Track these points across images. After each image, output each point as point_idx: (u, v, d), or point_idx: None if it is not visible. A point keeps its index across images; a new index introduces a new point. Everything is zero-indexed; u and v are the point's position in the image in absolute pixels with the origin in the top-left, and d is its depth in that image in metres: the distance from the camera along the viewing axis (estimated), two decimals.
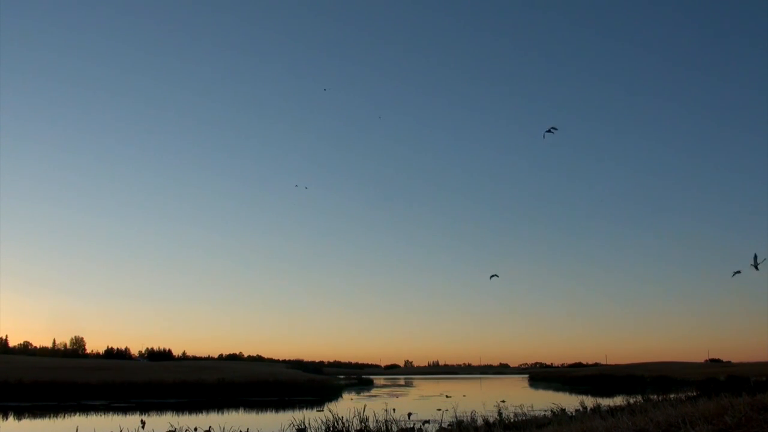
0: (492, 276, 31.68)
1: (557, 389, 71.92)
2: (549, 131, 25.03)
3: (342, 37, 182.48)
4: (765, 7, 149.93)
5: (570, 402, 30.15)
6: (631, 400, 22.96)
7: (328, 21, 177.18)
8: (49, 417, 34.08)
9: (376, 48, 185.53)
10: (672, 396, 24.52)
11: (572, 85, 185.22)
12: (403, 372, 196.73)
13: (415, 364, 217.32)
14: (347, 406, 27.36)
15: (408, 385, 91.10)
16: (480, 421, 17.95)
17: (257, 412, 37.97)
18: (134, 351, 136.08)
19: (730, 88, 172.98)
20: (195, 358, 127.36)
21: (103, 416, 34.00)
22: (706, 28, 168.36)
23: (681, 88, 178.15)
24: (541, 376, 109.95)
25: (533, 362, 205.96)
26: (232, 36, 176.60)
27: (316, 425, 18.17)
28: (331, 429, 17.58)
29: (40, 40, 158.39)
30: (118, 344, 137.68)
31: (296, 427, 19.63)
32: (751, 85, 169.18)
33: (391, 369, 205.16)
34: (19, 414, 35.20)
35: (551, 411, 20.76)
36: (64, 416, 34.24)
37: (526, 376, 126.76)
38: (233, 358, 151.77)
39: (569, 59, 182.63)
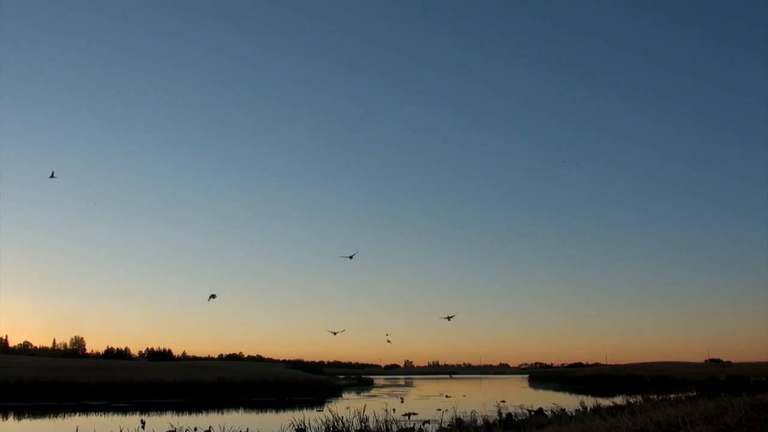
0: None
1: (557, 389, 71.90)
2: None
3: (340, 41, 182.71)
4: (762, 11, 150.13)
5: (570, 402, 30.17)
6: (631, 400, 22.98)
7: (327, 25, 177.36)
8: (49, 417, 34.07)
9: (375, 52, 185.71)
10: (672, 396, 24.55)
11: (569, 89, 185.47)
12: (403, 372, 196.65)
13: (415, 364, 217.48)
14: (347, 406, 27.35)
15: (408, 385, 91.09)
16: (480, 421, 17.96)
17: (257, 412, 37.96)
18: (134, 351, 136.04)
19: (726, 92, 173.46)
20: (195, 358, 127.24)
21: (103, 416, 34.00)
22: (705, 32, 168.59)
23: (676, 92, 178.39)
24: (541, 376, 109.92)
25: (533, 362, 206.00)
26: (229, 40, 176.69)
27: (316, 425, 18.16)
28: (331, 429, 17.57)
29: (39, 45, 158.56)
30: (118, 344, 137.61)
31: (296, 427, 19.64)
32: (747, 89, 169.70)
33: (391, 369, 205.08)
34: (19, 414, 35.18)
35: (551, 411, 20.78)
36: (64, 416, 34.24)
37: (526, 376, 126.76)
38: (233, 358, 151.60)
39: (567, 63, 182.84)
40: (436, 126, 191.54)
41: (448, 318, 30.00)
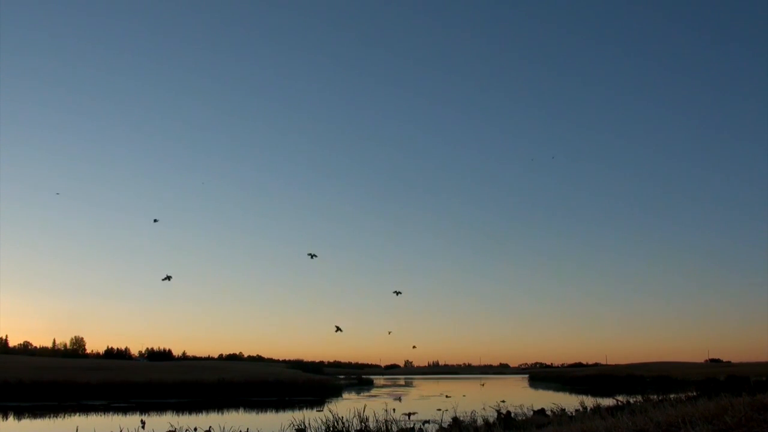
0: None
1: (557, 389, 71.89)
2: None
3: (340, 41, 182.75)
4: (762, 11, 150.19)
5: (570, 402, 30.15)
6: (631, 400, 22.95)
7: (326, 26, 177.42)
8: (49, 417, 34.07)
9: (373, 52, 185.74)
10: (672, 396, 24.50)
11: (567, 89, 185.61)
12: (403, 372, 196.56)
13: (415, 364, 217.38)
14: (347, 406, 27.36)
15: (408, 385, 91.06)
16: (480, 421, 17.96)
17: (257, 412, 37.97)
18: (134, 351, 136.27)
19: (726, 92, 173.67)
20: (195, 358, 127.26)
21: (103, 416, 34.00)
22: (705, 32, 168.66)
23: (676, 92, 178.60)
24: (541, 376, 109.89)
25: (533, 362, 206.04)
26: (229, 41, 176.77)
27: (316, 425, 18.14)
28: (331, 429, 17.55)
29: (38, 47, 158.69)
30: (118, 344, 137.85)
31: (296, 427, 19.60)
32: (747, 89, 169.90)
33: (391, 369, 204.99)
34: (19, 414, 35.19)
35: (551, 411, 20.77)
36: (64, 416, 34.24)
37: (526, 376, 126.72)
38: (233, 358, 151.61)
39: (567, 63, 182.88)
40: (437, 126, 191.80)
41: (396, 293, 35.76)
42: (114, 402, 41.38)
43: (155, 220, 37.25)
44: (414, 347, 48.12)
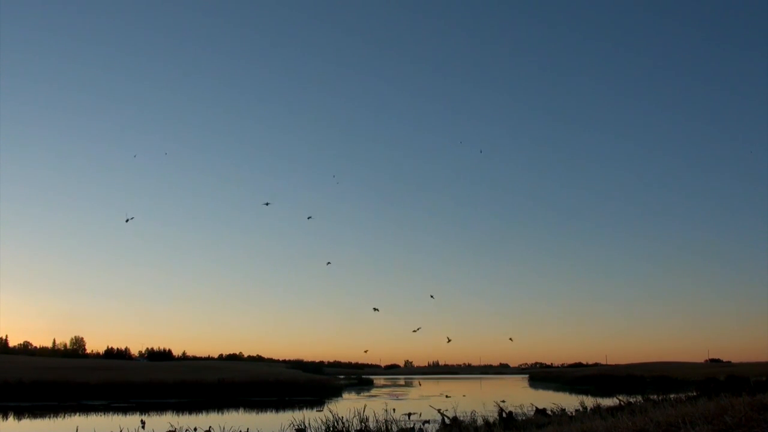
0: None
1: (557, 389, 71.89)
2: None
3: (339, 43, 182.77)
4: (762, 11, 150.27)
5: (570, 402, 30.17)
6: (631, 400, 22.95)
7: (327, 25, 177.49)
8: (49, 417, 34.07)
9: (373, 52, 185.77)
10: (672, 396, 24.51)
11: (568, 89, 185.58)
12: (403, 372, 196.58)
13: (415, 364, 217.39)
14: (347, 406, 27.35)
15: (408, 385, 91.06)
16: (480, 421, 17.97)
17: (257, 412, 37.97)
18: (134, 351, 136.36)
19: (726, 92, 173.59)
20: (195, 358, 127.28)
21: (103, 416, 34.00)
22: (705, 32, 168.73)
23: (676, 91, 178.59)
24: (541, 376, 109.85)
25: (533, 362, 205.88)
26: (230, 42, 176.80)
27: (316, 425, 18.17)
28: (331, 429, 17.58)
29: (39, 46, 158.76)
30: (118, 344, 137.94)
31: (296, 427, 19.63)
32: (747, 89, 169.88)
33: (391, 369, 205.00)
34: (19, 414, 35.20)
35: (551, 411, 20.78)
36: (64, 416, 34.24)
37: (526, 376, 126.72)
38: (233, 358, 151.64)
39: (567, 63, 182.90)
40: (437, 126, 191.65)
41: (375, 309, 39.50)
42: (114, 402, 41.38)
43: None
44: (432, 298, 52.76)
